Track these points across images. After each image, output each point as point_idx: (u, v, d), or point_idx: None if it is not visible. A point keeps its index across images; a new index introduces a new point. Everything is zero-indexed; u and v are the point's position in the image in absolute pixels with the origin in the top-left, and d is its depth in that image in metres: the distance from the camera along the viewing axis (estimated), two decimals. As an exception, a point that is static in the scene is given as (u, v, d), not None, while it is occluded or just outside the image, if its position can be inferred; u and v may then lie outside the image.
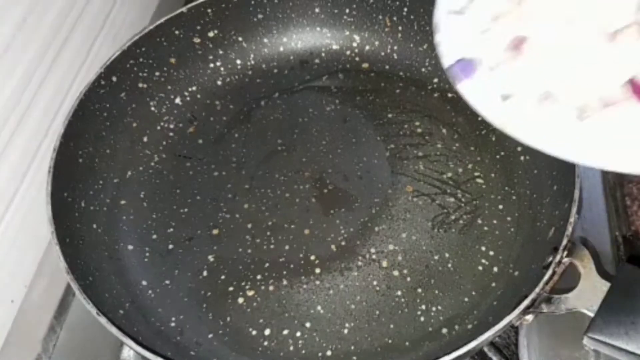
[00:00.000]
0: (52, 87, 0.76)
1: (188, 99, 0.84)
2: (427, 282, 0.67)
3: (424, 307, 0.66)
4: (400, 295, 0.67)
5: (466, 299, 0.65)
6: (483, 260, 0.68)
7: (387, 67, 0.84)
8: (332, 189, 0.75)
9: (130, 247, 0.72)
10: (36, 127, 0.74)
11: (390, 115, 0.80)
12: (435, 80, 0.82)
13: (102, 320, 0.58)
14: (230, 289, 0.69)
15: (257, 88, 0.85)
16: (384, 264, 0.68)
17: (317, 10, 0.86)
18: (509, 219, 0.70)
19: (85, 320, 0.70)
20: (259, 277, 0.69)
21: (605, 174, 0.76)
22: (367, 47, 0.86)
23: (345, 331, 0.65)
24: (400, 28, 0.83)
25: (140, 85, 0.80)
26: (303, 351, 0.64)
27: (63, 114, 0.73)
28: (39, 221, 0.67)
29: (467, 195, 0.73)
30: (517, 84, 0.54)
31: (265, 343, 0.65)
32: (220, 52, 0.85)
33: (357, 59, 0.85)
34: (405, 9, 0.82)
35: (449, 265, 0.68)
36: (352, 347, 0.64)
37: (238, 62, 0.87)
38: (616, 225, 0.72)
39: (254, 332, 0.66)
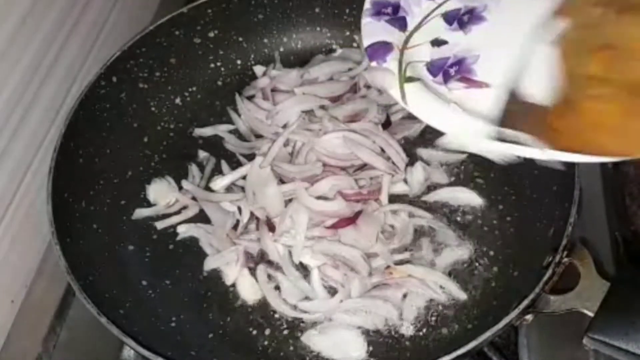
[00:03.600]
0: (52, 87, 0.76)
1: (188, 99, 0.85)
2: (427, 282, 0.67)
3: (424, 307, 0.66)
4: (400, 295, 0.67)
5: (466, 299, 0.66)
6: (483, 261, 0.68)
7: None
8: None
9: (130, 247, 0.72)
10: (37, 127, 0.74)
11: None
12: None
13: (103, 320, 0.58)
14: (231, 288, 0.69)
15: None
16: (384, 264, 0.69)
17: (317, 10, 0.86)
18: (508, 219, 0.70)
19: (85, 320, 0.70)
20: (259, 277, 0.69)
21: (605, 174, 0.76)
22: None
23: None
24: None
25: (141, 85, 0.80)
26: (302, 352, 0.64)
27: (64, 114, 0.74)
28: (40, 221, 0.67)
29: (467, 195, 0.73)
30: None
31: (266, 342, 0.65)
32: (221, 52, 0.85)
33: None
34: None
35: (449, 265, 0.68)
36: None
37: (238, 62, 0.87)
38: (616, 225, 0.72)
39: (255, 332, 0.66)
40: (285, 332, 0.65)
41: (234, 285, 0.69)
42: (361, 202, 0.70)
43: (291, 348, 0.64)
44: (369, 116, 0.75)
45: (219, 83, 0.86)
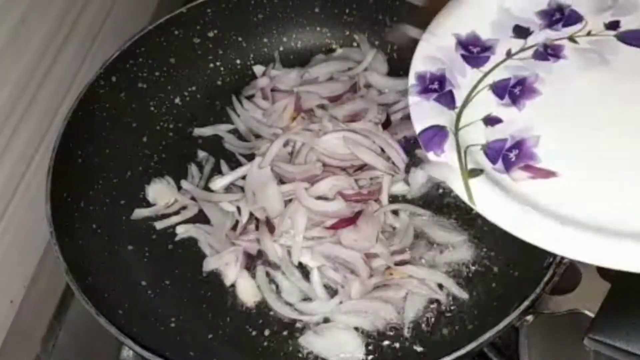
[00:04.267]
0: (51, 86, 0.76)
1: (188, 99, 0.84)
2: (427, 282, 0.67)
3: (424, 307, 0.66)
4: (400, 296, 0.66)
5: (467, 300, 0.65)
6: (484, 261, 0.68)
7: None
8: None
9: (130, 247, 0.72)
10: (36, 127, 0.74)
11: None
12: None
13: (101, 320, 0.58)
14: (231, 289, 0.69)
15: (257, 88, 0.85)
16: (384, 264, 0.68)
17: (317, 10, 0.86)
18: (509, 219, 0.70)
19: (84, 321, 0.70)
20: (258, 277, 0.69)
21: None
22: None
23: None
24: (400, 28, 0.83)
25: (140, 85, 0.80)
26: (302, 352, 0.64)
27: (63, 114, 0.73)
28: (39, 221, 0.67)
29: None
30: None
31: (265, 343, 0.65)
32: (220, 52, 0.85)
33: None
34: (406, 9, 0.82)
35: (449, 265, 0.68)
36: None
37: (238, 62, 0.87)
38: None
39: (254, 332, 0.66)
40: (285, 332, 0.65)
41: (233, 285, 0.69)
42: (361, 202, 0.70)
43: (290, 349, 0.64)
44: (369, 116, 0.75)
45: (219, 83, 0.86)
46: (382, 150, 0.73)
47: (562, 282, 0.58)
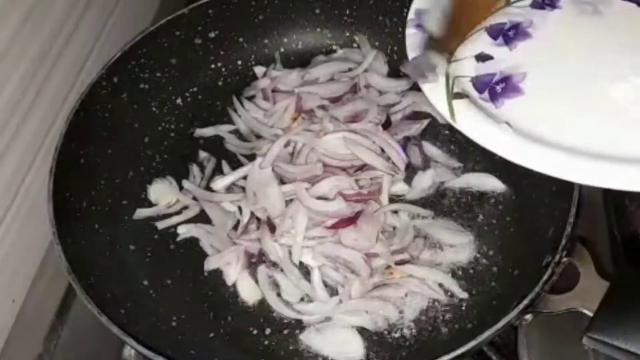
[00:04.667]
0: (54, 87, 0.76)
1: (189, 99, 0.85)
2: (427, 281, 0.67)
3: (424, 306, 0.66)
4: (400, 295, 0.67)
5: (466, 299, 0.66)
6: (483, 260, 0.68)
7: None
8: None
9: (132, 247, 0.72)
10: (38, 127, 0.74)
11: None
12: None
13: (103, 319, 0.58)
14: (232, 288, 0.69)
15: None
16: (384, 263, 0.69)
17: (317, 11, 0.86)
18: (508, 219, 0.70)
19: (86, 320, 0.70)
20: (259, 276, 0.69)
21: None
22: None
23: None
24: (400, 29, 0.83)
25: (142, 85, 0.81)
26: (302, 351, 0.64)
27: (65, 115, 0.74)
28: (41, 221, 0.67)
29: (466, 195, 0.73)
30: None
31: (266, 342, 0.65)
32: (221, 52, 0.86)
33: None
34: (405, 10, 0.82)
35: (449, 265, 0.68)
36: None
37: (239, 62, 0.87)
38: (615, 225, 0.72)
39: (255, 331, 0.66)
40: (286, 331, 0.66)
41: (234, 285, 0.69)
42: (361, 202, 0.70)
43: (291, 347, 0.65)
44: (369, 117, 0.75)
45: (220, 83, 0.86)
46: (382, 150, 0.73)
47: (561, 281, 0.58)
